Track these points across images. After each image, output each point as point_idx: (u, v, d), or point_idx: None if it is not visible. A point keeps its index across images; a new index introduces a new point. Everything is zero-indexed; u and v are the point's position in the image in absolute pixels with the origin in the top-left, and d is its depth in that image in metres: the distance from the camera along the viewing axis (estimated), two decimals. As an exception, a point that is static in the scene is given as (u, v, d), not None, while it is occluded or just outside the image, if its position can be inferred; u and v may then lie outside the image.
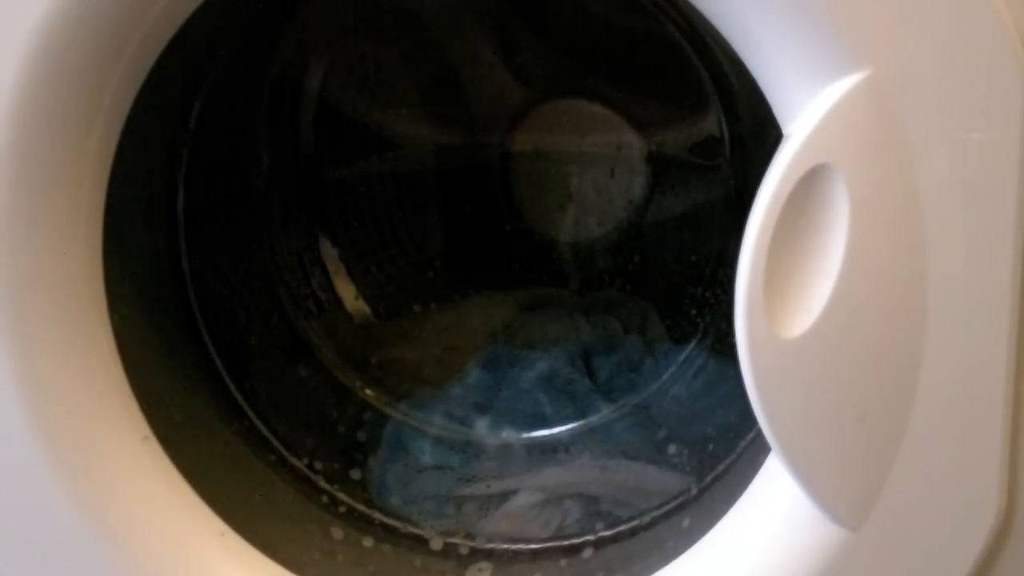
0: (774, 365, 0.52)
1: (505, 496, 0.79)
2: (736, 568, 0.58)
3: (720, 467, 0.72)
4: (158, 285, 0.75)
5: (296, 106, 0.87)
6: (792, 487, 0.55)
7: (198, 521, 0.63)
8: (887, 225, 0.51)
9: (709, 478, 0.72)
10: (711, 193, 0.86)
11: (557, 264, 0.91)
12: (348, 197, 0.91)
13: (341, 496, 0.77)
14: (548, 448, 0.84)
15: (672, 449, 0.79)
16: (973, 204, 0.51)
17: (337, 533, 0.73)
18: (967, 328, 0.52)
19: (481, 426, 0.85)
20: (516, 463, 0.83)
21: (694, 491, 0.72)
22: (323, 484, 0.77)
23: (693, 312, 0.87)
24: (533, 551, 0.75)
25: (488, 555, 0.74)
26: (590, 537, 0.74)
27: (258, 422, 0.78)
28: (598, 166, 0.88)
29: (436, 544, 0.74)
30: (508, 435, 0.85)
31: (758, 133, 0.77)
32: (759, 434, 0.55)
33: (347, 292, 0.91)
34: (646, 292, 0.90)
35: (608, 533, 0.74)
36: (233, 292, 0.82)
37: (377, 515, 0.76)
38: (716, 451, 0.74)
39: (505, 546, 0.75)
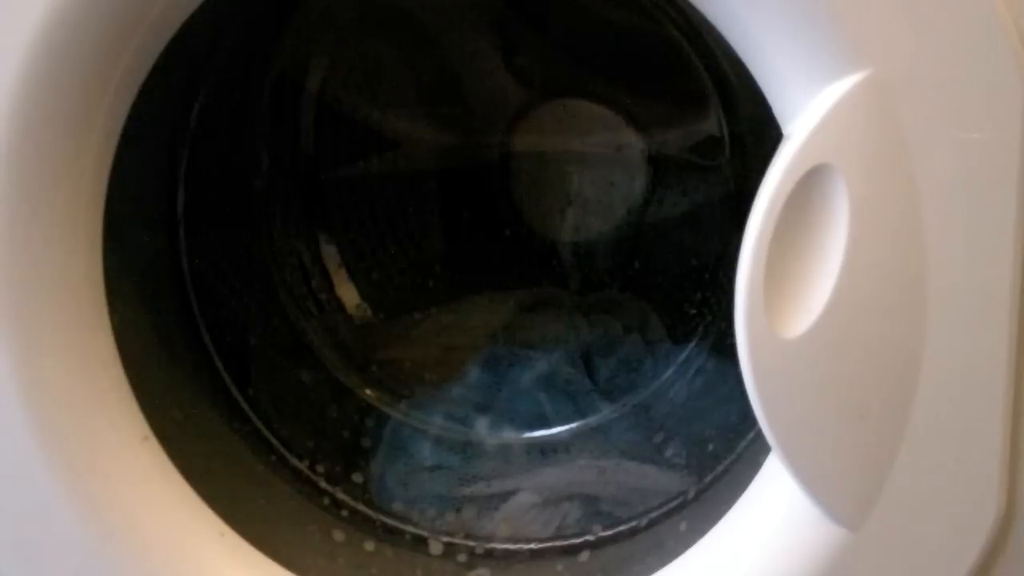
0: (774, 365, 0.52)
1: (504, 496, 0.79)
2: (736, 568, 0.58)
3: (720, 467, 0.72)
4: (158, 285, 0.75)
5: (296, 106, 0.87)
6: (792, 487, 0.55)
7: (198, 521, 0.63)
8: (887, 225, 0.51)
9: (709, 478, 0.72)
10: (711, 193, 0.86)
11: (557, 264, 0.91)
12: (348, 197, 0.91)
13: (341, 496, 0.77)
14: (548, 448, 0.84)
15: (672, 449, 0.79)
16: (973, 204, 0.51)
17: (338, 535, 0.73)
18: (967, 328, 0.52)
19: (481, 426, 0.85)
20: (516, 463, 0.83)
21: (694, 491, 0.72)
22: (324, 484, 0.77)
23: (693, 312, 0.87)
24: (532, 551, 0.75)
25: (488, 558, 0.74)
26: (589, 538, 0.74)
27: (258, 422, 0.78)
28: (598, 166, 0.88)
29: (436, 548, 0.74)
30: (508, 435, 0.85)
31: (758, 133, 0.77)
32: (759, 434, 0.55)
33: (347, 292, 0.91)
34: (646, 292, 0.90)
35: (607, 533, 0.74)
36: (233, 292, 0.82)
37: (378, 516, 0.76)
38: (716, 451, 0.74)
39: (504, 546, 0.75)
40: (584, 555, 0.73)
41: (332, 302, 0.90)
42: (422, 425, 0.85)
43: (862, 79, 0.49)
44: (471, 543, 0.75)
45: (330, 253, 0.90)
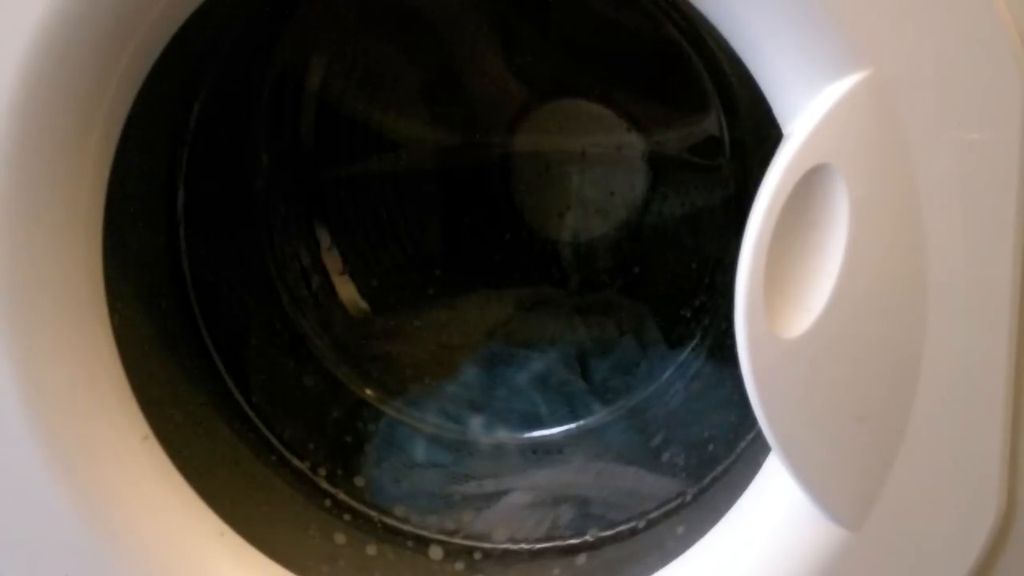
0: (774, 365, 0.52)
1: (499, 496, 0.79)
2: (736, 568, 0.58)
3: (719, 468, 0.72)
4: (158, 285, 0.75)
5: (296, 106, 0.87)
6: (792, 487, 0.55)
7: (198, 521, 0.63)
8: (887, 225, 0.51)
9: (708, 479, 0.72)
10: (711, 193, 0.86)
11: (556, 264, 0.91)
12: (348, 197, 0.91)
13: (341, 496, 0.77)
14: (542, 449, 0.84)
15: (671, 451, 0.79)
16: (973, 204, 0.51)
17: (340, 537, 0.73)
18: (967, 328, 0.52)
19: (476, 425, 0.85)
20: (511, 463, 0.83)
21: (693, 492, 0.72)
22: (324, 485, 0.77)
23: (693, 312, 0.87)
24: (531, 552, 0.75)
25: (486, 560, 0.74)
26: (588, 539, 0.74)
27: (258, 422, 0.78)
28: (598, 166, 0.88)
29: (436, 553, 0.74)
30: (504, 435, 0.85)
31: (758, 133, 0.77)
32: (759, 434, 0.55)
33: (347, 292, 0.91)
34: (645, 293, 0.90)
35: (606, 534, 0.74)
36: (233, 292, 0.82)
37: (379, 517, 0.76)
38: (715, 452, 0.74)
39: (505, 546, 0.75)
40: (582, 557, 0.73)
41: (332, 302, 0.90)
42: (419, 424, 0.85)
43: (862, 79, 0.49)
44: (469, 544, 0.75)
45: (330, 253, 0.90)
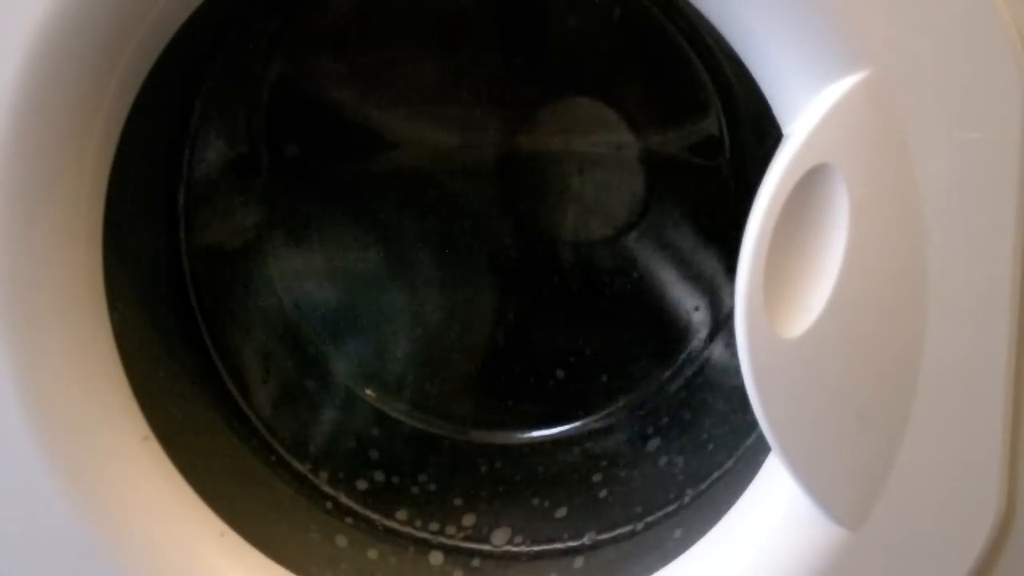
0: (774, 365, 0.52)
1: (499, 497, 0.79)
2: (736, 568, 0.58)
3: (719, 468, 0.72)
4: (158, 285, 0.75)
5: (296, 106, 0.86)
6: (792, 487, 0.55)
7: (198, 521, 0.63)
8: (887, 225, 0.51)
9: (708, 479, 0.72)
10: (711, 193, 0.86)
11: (556, 264, 0.91)
12: (348, 197, 0.91)
13: (342, 499, 0.77)
14: (543, 449, 0.84)
15: (670, 451, 0.79)
16: (973, 204, 0.51)
17: (340, 539, 0.73)
18: (967, 328, 0.52)
19: (477, 426, 0.85)
20: (511, 464, 0.83)
21: (693, 492, 0.72)
22: (324, 486, 0.77)
23: (693, 312, 0.87)
24: (531, 554, 0.75)
25: (486, 560, 0.74)
26: (585, 541, 0.74)
27: (258, 423, 0.78)
28: (598, 166, 0.88)
29: (436, 558, 0.74)
30: (504, 436, 0.85)
31: (758, 133, 0.77)
32: (759, 434, 0.55)
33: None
34: (645, 292, 0.90)
35: (605, 536, 0.74)
36: (233, 292, 0.82)
37: (380, 520, 0.76)
38: (715, 452, 0.74)
39: (504, 549, 0.75)
40: (580, 559, 0.73)
41: (332, 302, 0.90)
42: (420, 425, 0.85)
43: (862, 79, 0.49)
44: (469, 546, 0.75)
45: (330, 253, 0.90)
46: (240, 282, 0.83)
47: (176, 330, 0.76)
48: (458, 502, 0.78)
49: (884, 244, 0.51)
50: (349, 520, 0.75)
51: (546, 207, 0.90)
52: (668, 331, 0.88)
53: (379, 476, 0.80)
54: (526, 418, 0.86)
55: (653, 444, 0.81)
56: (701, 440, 0.77)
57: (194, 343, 0.77)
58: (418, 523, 0.76)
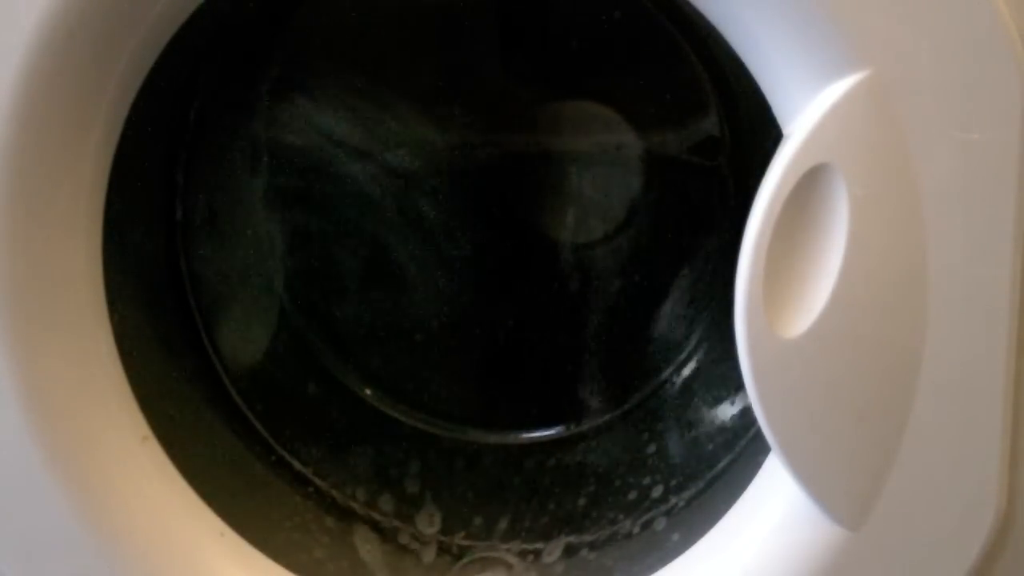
0: (774, 365, 0.52)
1: (498, 497, 0.79)
2: (736, 568, 0.58)
3: (719, 467, 0.72)
4: (158, 285, 0.75)
5: (296, 106, 0.86)
6: (792, 487, 0.55)
7: (198, 521, 0.63)
8: (887, 225, 0.51)
9: (708, 478, 0.72)
10: (711, 193, 0.86)
11: (556, 264, 0.91)
12: (348, 197, 0.90)
13: (341, 497, 0.77)
14: (543, 450, 0.84)
15: (670, 450, 0.79)
16: (973, 204, 0.51)
17: (340, 539, 0.73)
18: (967, 328, 0.52)
19: (477, 427, 0.85)
20: (511, 464, 0.83)
21: (693, 491, 0.72)
22: (323, 485, 0.77)
23: (693, 312, 0.87)
24: (532, 552, 0.75)
25: (485, 563, 0.74)
26: (587, 538, 0.74)
27: (258, 423, 0.78)
28: (598, 166, 0.88)
29: (430, 557, 0.74)
30: (504, 436, 0.85)
31: (758, 133, 0.77)
32: (759, 434, 0.55)
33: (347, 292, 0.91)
34: (645, 292, 0.90)
35: (606, 534, 0.74)
36: (233, 292, 0.82)
37: (378, 517, 0.76)
38: (715, 451, 0.74)
39: (504, 548, 0.75)
40: (579, 558, 0.73)
41: (332, 302, 0.90)
42: (420, 425, 0.85)
43: (862, 79, 0.49)
44: (468, 544, 0.75)
45: (330, 253, 0.90)
46: (240, 282, 0.83)
47: (176, 330, 0.76)
48: (457, 502, 0.78)
49: (884, 244, 0.51)
50: (349, 520, 0.75)
51: (546, 207, 0.89)
52: (667, 331, 0.88)
53: (379, 476, 0.80)
54: (526, 418, 0.86)
55: (652, 444, 0.81)
56: (700, 440, 0.77)
57: (194, 343, 0.77)
58: (417, 523, 0.76)
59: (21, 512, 0.59)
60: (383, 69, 0.87)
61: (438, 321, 0.90)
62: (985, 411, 0.54)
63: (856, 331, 0.52)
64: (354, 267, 0.90)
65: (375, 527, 0.76)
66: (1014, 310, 0.52)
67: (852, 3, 0.49)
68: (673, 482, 0.75)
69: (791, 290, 0.52)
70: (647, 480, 0.77)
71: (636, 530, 0.73)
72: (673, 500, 0.73)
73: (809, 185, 0.50)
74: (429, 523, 0.76)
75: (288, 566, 0.65)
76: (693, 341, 0.85)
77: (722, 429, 0.75)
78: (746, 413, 0.55)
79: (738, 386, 0.54)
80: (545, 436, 0.85)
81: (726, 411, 0.76)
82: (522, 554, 0.75)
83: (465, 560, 0.74)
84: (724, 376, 0.80)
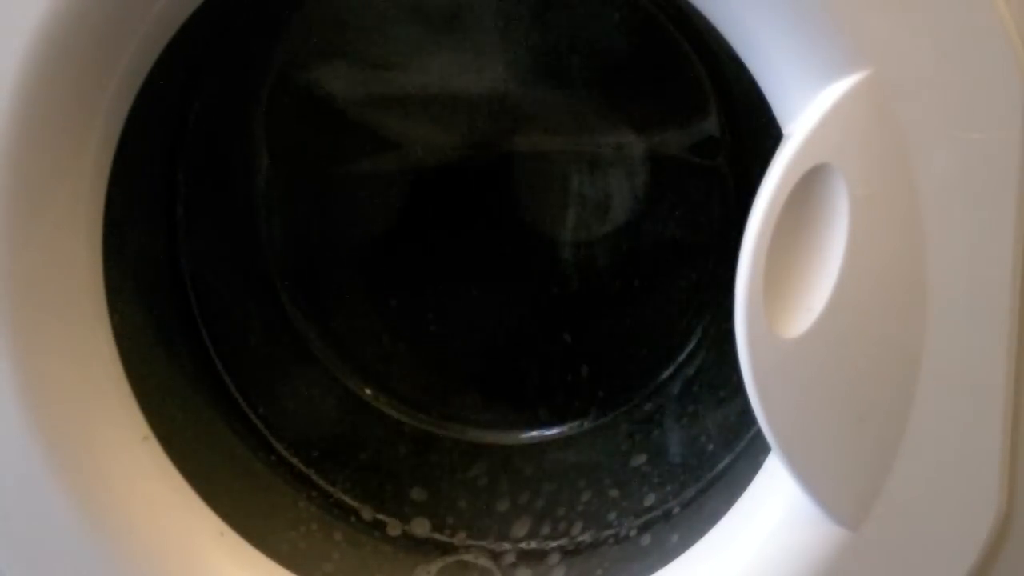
0: (774, 365, 0.52)
1: (498, 497, 0.79)
2: (736, 568, 0.58)
3: (719, 467, 0.72)
4: (158, 285, 0.75)
5: (296, 106, 0.87)
6: (792, 487, 0.55)
7: (198, 521, 0.63)
8: (887, 225, 0.51)
9: (708, 478, 0.72)
10: (711, 193, 0.86)
11: (556, 264, 0.91)
12: (348, 196, 0.91)
13: (341, 497, 0.77)
14: (543, 450, 0.84)
15: (669, 450, 0.79)
16: (973, 204, 0.51)
17: (340, 540, 0.73)
18: (967, 328, 0.52)
19: (477, 426, 0.85)
20: (511, 464, 0.83)
21: (692, 492, 0.72)
22: (323, 484, 0.77)
23: (693, 312, 0.87)
24: (534, 553, 0.75)
25: (483, 562, 0.74)
26: (586, 539, 0.74)
27: (258, 422, 0.78)
28: (598, 166, 0.88)
29: (434, 558, 0.74)
30: (504, 436, 0.85)
31: (758, 133, 0.77)
32: (759, 434, 0.55)
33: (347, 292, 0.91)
34: (645, 292, 0.90)
35: (606, 534, 0.74)
36: (233, 292, 0.82)
37: (377, 517, 0.76)
38: (715, 451, 0.74)
39: (504, 548, 0.75)
40: (579, 559, 0.73)
41: (332, 302, 0.90)
42: (419, 424, 0.85)
43: (862, 79, 0.49)
44: (468, 543, 0.75)
45: (331, 252, 0.90)
46: (240, 282, 0.83)
47: (176, 330, 0.76)
48: (457, 502, 0.78)
49: (884, 244, 0.51)
50: (349, 520, 0.75)
51: (546, 207, 0.90)
52: (668, 331, 0.88)
53: (378, 476, 0.80)
54: (525, 418, 0.86)
55: (652, 445, 0.81)
56: (700, 440, 0.77)
57: (194, 343, 0.77)
58: (416, 523, 0.76)
59: (21, 512, 0.59)
60: (383, 69, 0.87)
61: (438, 321, 0.90)
62: (985, 411, 0.54)
63: (856, 331, 0.52)
64: (354, 267, 0.90)
65: (374, 527, 0.76)
66: (1014, 310, 0.52)
67: (852, 3, 0.49)
68: (673, 482, 0.75)
69: (791, 290, 0.52)
70: (647, 480, 0.77)
71: (635, 531, 0.73)
72: (673, 501, 0.73)
73: (809, 185, 0.50)
74: (430, 523, 0.77)
75: (288, 566, 0.65)
76: (693, 341, 0.85)
77: (722, 429, 0.75)
78: (746, 413, 0.55)
79: (738, 386, 0.54)
80: (545, 436, 0.85)
81: (726, 411, 0.76)
82: (520, 554, 0.75)
83: (449, 559, 0.74)
84: (724, 376, 0.80)
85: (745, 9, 0.51)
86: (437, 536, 0.76)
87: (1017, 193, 0.51)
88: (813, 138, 0.50)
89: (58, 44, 0.54)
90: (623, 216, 0.89)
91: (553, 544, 0.75)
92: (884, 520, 0.55)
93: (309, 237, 0.89)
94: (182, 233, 0.77)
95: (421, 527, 0.76)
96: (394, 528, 0.76)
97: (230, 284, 0.82)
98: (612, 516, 0.75)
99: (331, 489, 0.77)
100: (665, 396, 0.85)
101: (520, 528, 0.76)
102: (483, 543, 0.75)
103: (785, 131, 0.52)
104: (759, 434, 0.56)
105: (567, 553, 0.74)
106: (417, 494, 0.79)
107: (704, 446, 0.76)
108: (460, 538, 0.76)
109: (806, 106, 0.50)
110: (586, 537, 0.74)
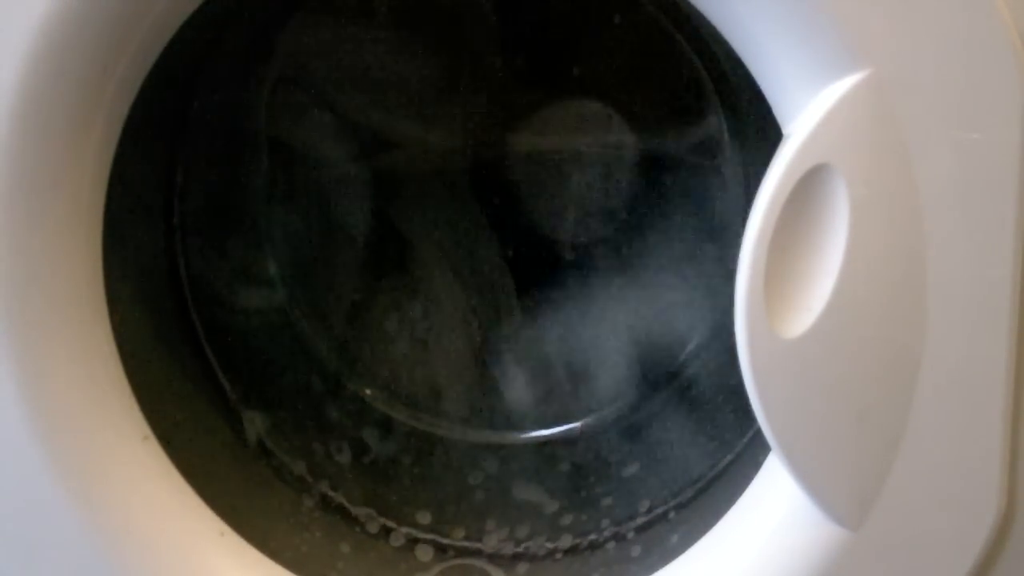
0: (774, 365, 0.52)
1: (498, 497, 0.79)
2: (736, 568, 0.58)
3: (719, 467, 0.72)
4: (158, 285, 0.75)
5: (296, 106, 0.87)
6: (792, 487, 0.55)
7: (198, 521, 0.63)
8: (887, 225, 0.51)
9: (708, 478, 0.72)
10: (711, 193, 0.86)
11: (556, 264, 0.91)
12: (347, 196, 0.91)
13: (341, 498, 0.77)
14: (543, 450, 0.84)
15: (669, 450, 0.79)
16: (973, 204, 0.51)
17: (340, 540, 0.73)
18: (967, 328, 0.52)
19: (477, 426, 0.85)
20: (512, 464, 0.83)
21: (692, 492, 0.72)
22: (323, 485, 0.77)
23: (693, 312, 0.87)
24: (531, 553, 0.75)
25: (486, 564, 0.74)
26: (592, 537, 0.74)
27: (258, 422, 0.78)
28: (598, 166, 0.88)
29: (427, 557, 0.74)
30: (504, 436, 0.85)
31: (758, 133, 0.77)
32: (759, 434, 0.55)
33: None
34: (645, 292, 0.90)
35: (607, 534, 0.74)
36: (233, 292, 0.82)
37: (377, 517, 0.76)
38: (715, 451, 0.74)
39: (506, 549, 0.75)
40: (579, 559, 0.73)
41: (332, 302, 0.90)
42: (419, 425, 0.85)
43: (862, 79, 0.49)
44: (467, 545, 0.75)
45: (330, 252, 0.90)
46: (240, 282, 0.83)
47: (176, 330, 0.76)
48: (457, 502, 0.78)
49: (884, 244, 0.51)
50: (349, 520, 0.75)
51: (545, 207, 0.90)
52: (668, 331, 0.88)
53: (378, 476, 0.80)
54: (525, 418, 0.86)
55: (652, 444, 0.81)
56: (701, 440, 0.77)
57: (194, 343, 0.77)
58: (416, 523, 0.76)
59: (21, 512, 0.59)
60: (384, 69, 0.87)
61: (438, 321, 0.90)
62: (985, 411, 0.54)
63: (856, 331, 0.52)
64: (354, 267, 0.90)
65: (374, 527, 0.76)
66: (1014, 310, 0.52)
67: (852, 3, 0.49)
68: (672, 483, 0.75)
69: (791, 290, 0.52)
70: (646, 481, 0.77)
71: (634, 531, 0.73)
72: (673, 501, 0.73)
73: (809, 185, 0.50)
74: (430, 523, 0.77)
75: (288, 566, 0.65)
76: (693, 341, 0.85)
77: (722, 429, 0.75)
78: (746, 413, 0.55)
79: (738, 386, 0.54)
80: (545, 436, 0.85)
81: (726, 411, 0.76)
82: (520, 556, 0.75)
83: (450, 562, 0.73)
84: (724, 376, 0.80)
85: (745, 9, 0.51)
86: (437, 539, 0.75)
87: (1017, 193, 0.51)
88: (813, 138, 0.50)
89: (58, 44, 0.54)
90: (623, 216, 0.89)
91: (553, 545, 0.75)
92: (884, 520, 0.55)
93: (309, 236, 0.89)
94: (182, 233, 0.77)
95: (421, 527, 0.76)
96: (396, 533, 0.76)
97: (230, 284, 0.82)
98: (612, 517, 0.75)
99: (330, 491, 0.77)
100: (665, 396, 0.85)
101: (520, 530, 0.76)
102: (481, 544, 0.75)
103: (785, 131, 0.52)
104: (759, 434, 0.56)
105: (567, 553, 0.74)
106: (417, 495, 0.79)
107: (704, 446, 0.76)
108: (460, 540, 0.76)
109: (806, 106, 0.50)
110: (586, 538, 0.74)
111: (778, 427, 0.53)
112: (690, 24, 0.79)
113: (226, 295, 0.81)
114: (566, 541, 0.75)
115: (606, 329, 0.90)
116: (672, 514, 0.72)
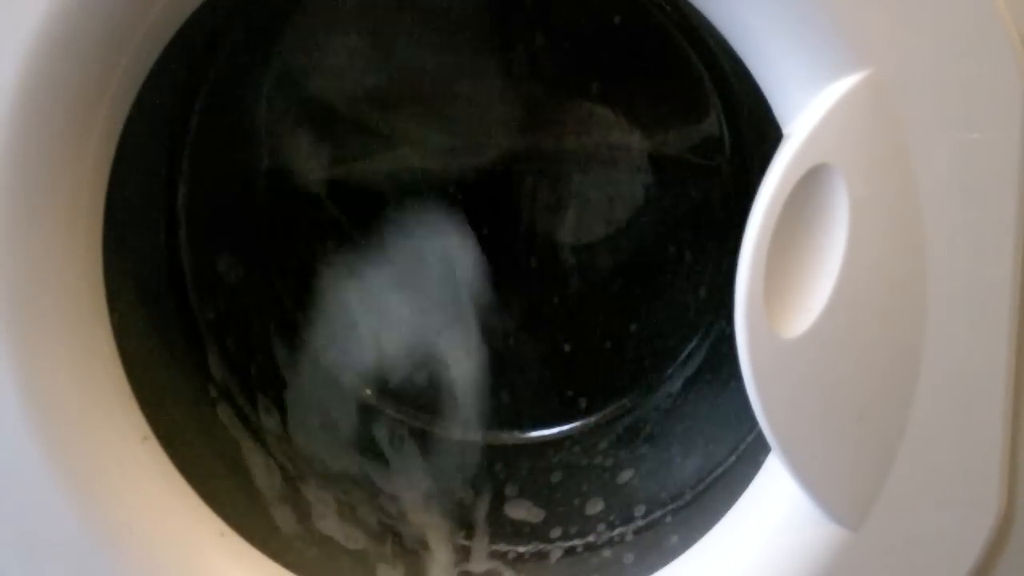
0: (774, 365, 0.52)
1: (498, 497, 0.79)
2: (736, 568, 0.58)
3: (719, 467, 0.72)
4: (158, 285, 0.75)
5: (296, 106, 0.87)
6: (792, 487, 0.55)
7: (198, 521, 0.63)
8: (887, 225, 0.51)
9: (708, 478, 0.72)
10: (711, 193, 0.86)
11: (556, 264, 0.91)
12: (348, 196, 0.91)
13: (341, 497, 0.77)
14: (543, 450, 0.84)
15: (668, 450, 0.79)
16: (973, 204, 0.51)
17: (340, 540, 0.73)
18: (967, 328, 0.53)
19: (477, 427, 0.85)
20: (511, 465, 0.83)
21: (693, 492, 0.72)
22: (323, 484, 0.77)
23: (693, 312, 0.87)
24: (530, 554, 0.75)
25: (488, 563, 0.74)
26: (591, 539, 0.74)
27: (259, 422, 0.78)
28: (598, 166, 0.88)
29: (440, 555, 0.74)
30: (504, 436, 0.85)
31: (758, 133, 0.77)
32: (759, 434, 0.55)
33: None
34: (645, 292, 0.90)
35: (607, 534, 0.74)
36: (233, 292, 0.82)
37: (377, 516, 0.76)
38: (715, 451, 0.74)
39: (501, 549, 0.75)
40: (581, 557, 0.73)
41: (333, 302, 0.90)
42: (420, 425, 0.85)
43: (862, 79, 0.49)
44: (467, 544, 0.75)
45: (330, 252, 0.90)
46: (241, 282, 0.83)
47: (176, 330, 0.76)
48: (457, 502, 0.78)
49: (884, 244, 0.51)
50: (348, 520, 0.75)
51: (546, 207, 0.90)
52: (668, 331, 0.88)
53: (378, 476, 0.80)
54: (525, 418, 0.86)
55: (652, 444, 0.81)
56: (701, 440, 0.77)
57: (194, 343, 0.77)
58: (416, 524, 0.76)
59: (21, 512, 0.59)
60: (384, 69, 0.87)
61: (438, 321, 0.90)
62: (985, 411, 0.54)
63: (856, 331, 0.52)
64: (354, 266, 0.90)
65: (375, 527, 0.76)
66: (1014, 310, 0.52)
67: (852, 3, 0.49)
68: (672, 483, 0.75)
69: (791, 290, 0.52)
70: (647, 480, 0.77)
71: (634, 532, 0.73)
72: (673, 501, 0.73)
73: (809, 185, 0.50)
74: (430, 524, 0.77)
75: (288, 566, 0.65)
76: (693, 341, 0.85)
77: (722, 428, 0.75)
78: (746, 413, 0.55)
79: (738, 386, 0.54)
80: (545, 436, 0.85)
81: (726, 411, 0.76)
82: (519, 556, 0.75)
83: (448, 566, 0.74)
84: (724, 376, 0.80)
85: (745, 9, 0.51)
86: (440, 537, 0.75)
87: (1017, 193, 0.51)
88: (813, 138, 0.50)
89: (58, 44, 0.54)
90: (623, 216, 0.89)
91: (553, 545, 0.75)
92: (884, 520, 0.55)
93: (308, 236, 0.89)
94: (182, 233, 0.77)
95: (421, 528, 0.76)
96: (394, 529, 0.76)
97: (230, 284, 0.82)
98: (612, 516, 0.75)
99: (331, 490, 0.77)
100: (665, 396, 0.85)
101: (523, 528, 0.76)
102: (483, 544, 0.75)
103: (785, 131, 0.52)
104: (759, 434, 0.56)
105: (568, 553, 0.74)
106: (416, 495, 0.79)
107: (704, 446, 0.76)
108: (459, 537, 0.76)
109: (806, 106, 0.50)
110: (586, 538, 0.74)
111: (778, 427, 0.53)
112: (690, 24, 0.79)
113: (227, 295, 0.81)
114: (560, 545, 0.75)
115: (606, 329, 0.90)
116: (671, 516, 0.72)
